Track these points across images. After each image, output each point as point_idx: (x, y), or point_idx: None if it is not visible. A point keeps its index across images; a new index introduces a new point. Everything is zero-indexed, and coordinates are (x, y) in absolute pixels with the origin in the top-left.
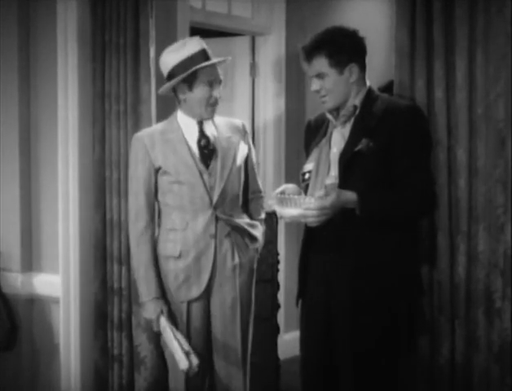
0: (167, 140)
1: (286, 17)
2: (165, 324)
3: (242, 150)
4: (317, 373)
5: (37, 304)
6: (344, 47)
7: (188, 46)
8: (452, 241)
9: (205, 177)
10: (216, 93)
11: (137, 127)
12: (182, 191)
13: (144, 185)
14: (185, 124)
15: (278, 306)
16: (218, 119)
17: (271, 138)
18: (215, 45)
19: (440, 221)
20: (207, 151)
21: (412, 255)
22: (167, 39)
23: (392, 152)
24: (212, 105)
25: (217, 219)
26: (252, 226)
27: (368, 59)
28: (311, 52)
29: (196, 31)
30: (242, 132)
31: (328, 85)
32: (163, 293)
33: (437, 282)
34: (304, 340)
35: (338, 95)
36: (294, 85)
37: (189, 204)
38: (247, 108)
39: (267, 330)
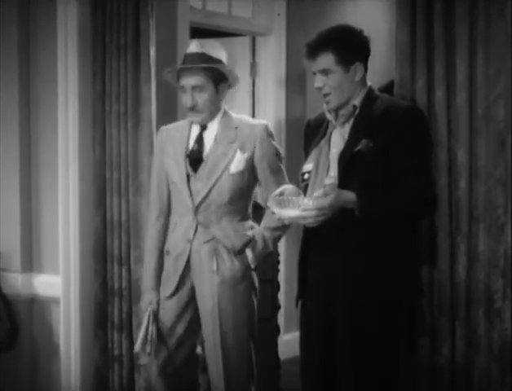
0: (174, 138)
1: (287, 17)
2: (147, 311)
3: (239, 159)
4: (317, 374)
5: (37, 304)
6: (351, 45)
7: (187, 48)
8: (452, 241)
9: (192, 181)
10: (187, 99)
11: (137, 128)
12: (174, 191)
13: (157, 177)
14: (194, 125)
15: (278, 306)
16: (232, 121)
17: None
18: None
19: (440, 221)
20: (194, 156)
21: (411, 255)
22: (167, 39)
23: (392, 153)
24: (189, 111)
25: (197, 225)
26: (228, 237)
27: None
28: (316, 48)
29: (197, 31)
30: (258, 137)
31: (332, 82)
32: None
33: (437, 282)
34: (304, 341)
35: (342, 94)
36: (295, 86)
37: (178, 206)
38: (247, 109)
39: (267, 330)
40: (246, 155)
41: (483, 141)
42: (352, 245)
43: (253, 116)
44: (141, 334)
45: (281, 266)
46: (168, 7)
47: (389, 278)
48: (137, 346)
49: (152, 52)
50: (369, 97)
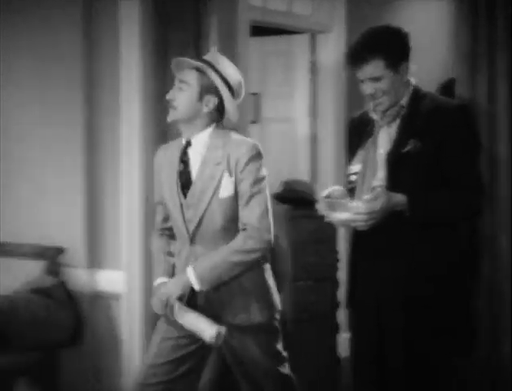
0: (170, 162)
1: (347, 14)
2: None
3: (227, 183)
4: (369, 375)
5: (101, 300)
6: (397, 47)
7: None
8: None
9: (184, 207)
10: (168, 94)
11: None
12: (171, 219)
13: (157, 195)
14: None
15: (337, 305)
16: (219, 138)
17: (332, 138)
18: (275, 43)
19: (500, 222)
20: (184, 179)
21: (466, 258)
22: (228, 38)
23: (441, 153)
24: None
25: (195, 256)
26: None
27: (422, 58)
28: (363, 56)
29: (256, 29)
30: (241, 158)
31: (384, 86)
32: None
33: (498, 283)
34: (355, 343)
35: (395, 95)
36: (356, 84)
37: (178, 234)
38: (306, 107)
39: (326, 328)
40: (233, 178)
41: None
42: (403, 248)
43: (314, 113)
44: (200, 320)
45: (341, 264)
46: (228, 5)
47: (441, 280)
48: (213, 330)
49: (213, 50)
50: (415, 95)
